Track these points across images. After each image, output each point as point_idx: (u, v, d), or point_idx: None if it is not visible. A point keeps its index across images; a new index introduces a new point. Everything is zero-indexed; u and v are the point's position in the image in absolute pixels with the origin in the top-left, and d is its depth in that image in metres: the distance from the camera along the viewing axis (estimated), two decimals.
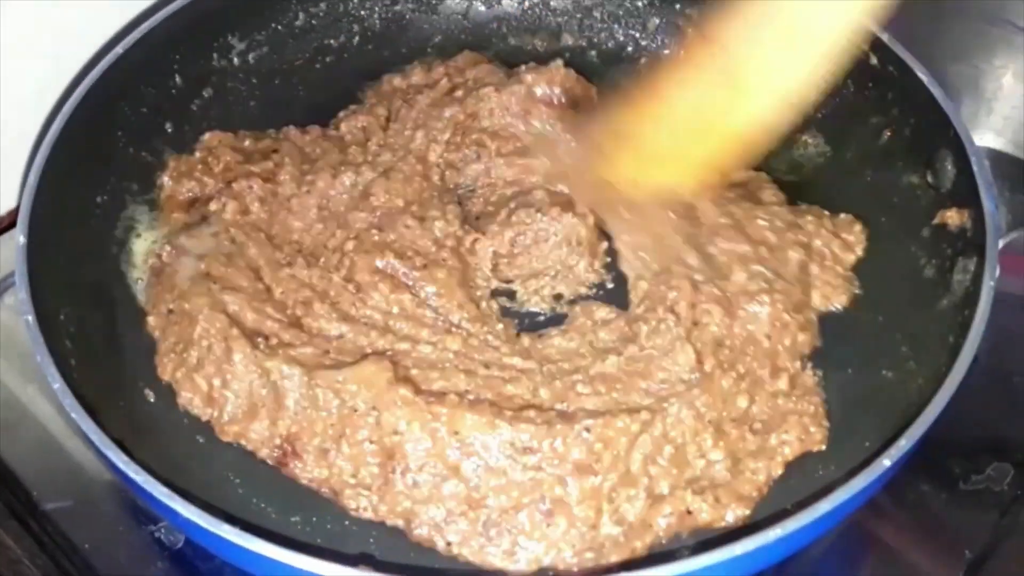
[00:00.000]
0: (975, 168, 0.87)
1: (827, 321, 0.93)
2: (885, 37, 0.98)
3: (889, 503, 0.88)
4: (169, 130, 1.04)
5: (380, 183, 0.97)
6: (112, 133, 0.98)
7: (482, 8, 1.19)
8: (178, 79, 1.05)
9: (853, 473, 0.72)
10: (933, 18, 1.28)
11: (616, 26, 1.18)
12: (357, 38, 1.16)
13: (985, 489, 0.90)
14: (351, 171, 0.98)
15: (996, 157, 0.92)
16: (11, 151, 1.06)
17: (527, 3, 1.19)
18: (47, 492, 0.89)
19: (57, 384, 0.75)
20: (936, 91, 0.94)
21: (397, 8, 1.17)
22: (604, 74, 1.13)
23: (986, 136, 1.19)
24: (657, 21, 1.17)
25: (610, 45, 1.18)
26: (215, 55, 1.08)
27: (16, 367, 0.96)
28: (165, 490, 0.70)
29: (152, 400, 0.87)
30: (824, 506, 0.69)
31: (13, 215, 1.10)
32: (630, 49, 1.18)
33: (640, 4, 1.17)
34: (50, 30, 1.06)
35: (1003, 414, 0.96)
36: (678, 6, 1.15)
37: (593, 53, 1.18)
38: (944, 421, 0.75)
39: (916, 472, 0.87)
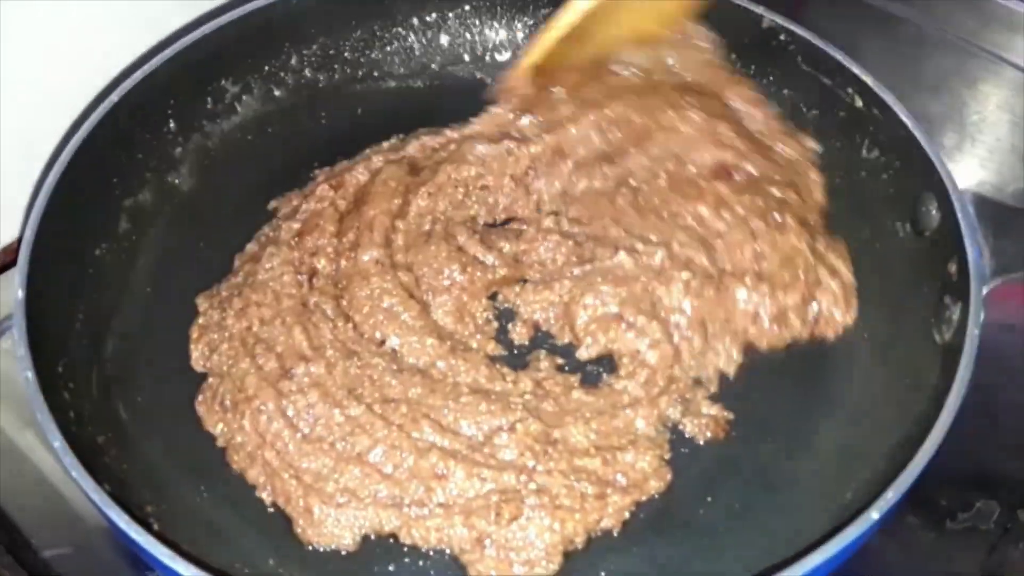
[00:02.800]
0: (959, 215, 0.88)
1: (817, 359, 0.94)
2: (869, 80, 1.00)
3: (876, 541, 0.89)
4: (164, 178, 1.05)
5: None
6: (109, 181, 0.99)
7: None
8: (172, 124, 1.05)
9: (841, 526, 0.73)
10: (916, 48, 1.30)
11: None
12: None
13: (972, 527, 0.91)
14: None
15: (981, 202, 0.93)
16: (6, 187, 1.07)
17: None
18: (46, 539, 0.89)
19: (57, 443, 0.76)
20: (920, 135, 0.95)
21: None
22: None
23: (971, 167, 1.21)
24: None
25: None
26: (209, 100, 1.09)
27: (14, 412, 0.97)
28: (166, 551, 0.71)
29: (144, 448, 0.88)
30: (816, 558, 0.71)
31: (7, 255, 1.11)
32: None
33: None
34: (51, 71, 1.07)
35: (990, 451, 0.97)
36: None
37: None
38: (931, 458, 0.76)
39: (904, 509, 0.87)
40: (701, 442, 0.89)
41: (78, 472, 0.75)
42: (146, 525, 0.74)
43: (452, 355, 0.91)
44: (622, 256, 0.95)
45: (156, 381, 0.93)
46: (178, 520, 0.83)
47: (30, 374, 0.80)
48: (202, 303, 0.97)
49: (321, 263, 0.97)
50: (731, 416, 0.90)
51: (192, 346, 0.94)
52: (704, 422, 0.89)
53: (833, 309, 0.95)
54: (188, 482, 0.86)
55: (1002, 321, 0.99)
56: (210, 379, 0.91)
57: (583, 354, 0.93)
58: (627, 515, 0.83)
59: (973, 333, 0.82)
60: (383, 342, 0.92)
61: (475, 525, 0.81)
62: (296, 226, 1.00)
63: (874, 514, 0.73)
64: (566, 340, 0.95)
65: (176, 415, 0.90)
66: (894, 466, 0.77)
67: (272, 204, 1.05)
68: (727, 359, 0.92)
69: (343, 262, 0.97)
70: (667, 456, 0.87)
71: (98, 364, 0.92)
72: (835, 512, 0.81)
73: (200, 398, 0.90)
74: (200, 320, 0.95)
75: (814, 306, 0.95)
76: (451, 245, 0.98)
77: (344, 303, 0.95)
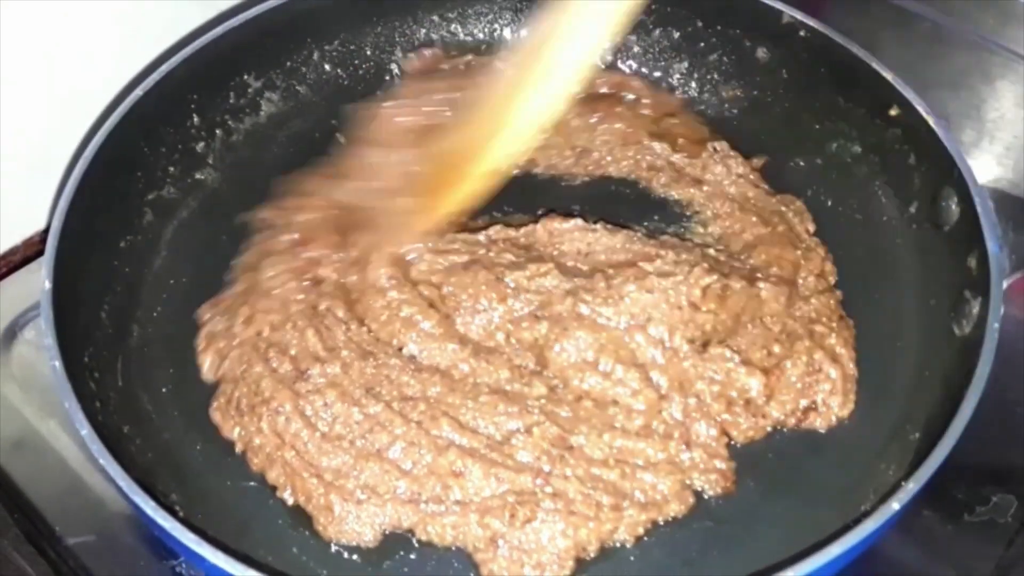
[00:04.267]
0: (979, 210, 0.88)
1: None
2: (889, 76, 1.00)
3: (894, 534, 0.88)
4: (188, 172, 1.06)
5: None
6: (133, 174, 1.00)
7: None
8: (195, 119, 1.06)
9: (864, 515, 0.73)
10: (933, 46, 1.30)
11: None
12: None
13: (989, 521, 0.91)
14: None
15: (1000, 197, 0.93)
16: (28, 180, 1.08)
17: None
18: (70, 526, 0.90)
19: (85, 431, 0.77)
20: (941, 130, 0.95)
21: None
22: None
23: (989, 164, 1.20)
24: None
25: None
26: (231, 95, 1.10)
27: (36, 401, 0.98)
28: (193, 536, 0.72)
29: (167, 437, 0.89)
30: (834, 549, 0.71)
31: (30, 247, 1.12)
32: None
33: None
34: (77, 66, 1.08)
35: (1007, 444, 0.97)
36: None
37: None
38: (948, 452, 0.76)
39: (921, 503, 0.87)
40: (711, 495, 0.85)
41: (105, 460, 0.75)
42: (172, 512, 0.74)
43: (475, 357, 0.90)
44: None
45: (180, 371, 0.93)
46: (202, 508, 0.84)
47: (57, 363, 0.80)
48: (205, 313, 0.96)
49: (327, 272, 0.96)
50: (735, 465, 0.87)
51: (200, 356, 0.93)
52: (713, 478, 0.85)
53: (829, 400, 0.90)
54: (212, 471, 0.87)
55: (1020, 316, 0.99)
56: (223, 386, 0.91)
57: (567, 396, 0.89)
58: (642, 531, 0.82)
59: (993, 327, 0.82)
60: (400, 348, 0.92)
61: (489, 525, 0.81)
62: (294, 236, 0.99)
63: (895, 505, 0.73)
64: None
65: (199, 406, 0.91)
66: (914, 458, 0.78)
67: (240, 218, 1.03)
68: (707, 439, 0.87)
69: (352, 276, 0.96)
70: (689, 481, 0.85)
71: (123, 354, 0.93)
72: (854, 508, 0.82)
73: (214, 405, 0.90)
74: (205, 330, 0.95)
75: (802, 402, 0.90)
76: (491, 273, 0.94)
77: (358, 308, 0.94)
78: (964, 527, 0.91)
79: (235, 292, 0.97)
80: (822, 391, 0.90)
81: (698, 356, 0.89)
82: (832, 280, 0.99)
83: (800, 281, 0.96)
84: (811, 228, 1.02)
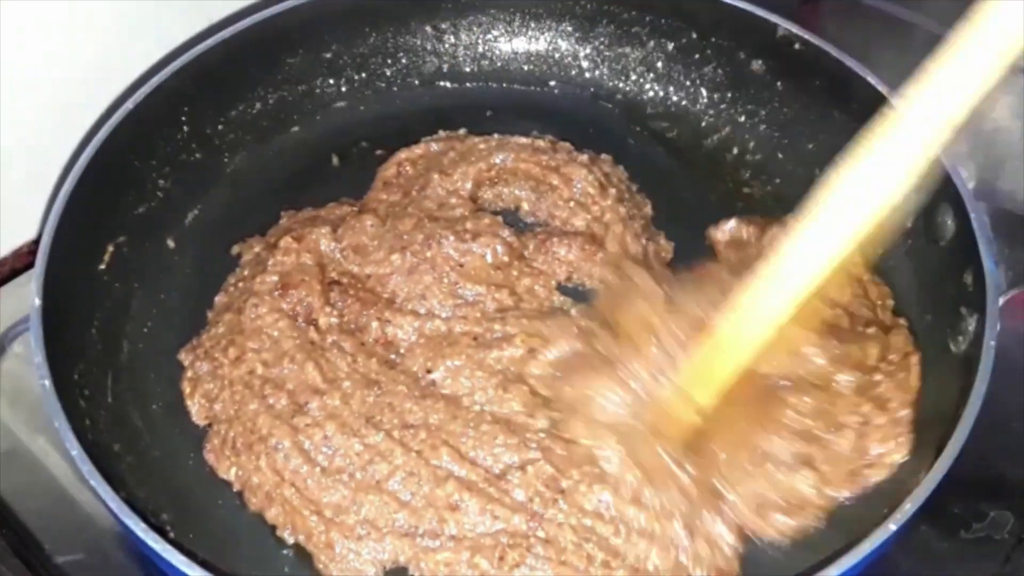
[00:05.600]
0: (975, 225, 0.88)
1: None
2: (884, 89, 0.99)
3: (890, 551, 0.88)
4: (181, 183, 1.05)
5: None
6: (124, 187, 0.99)
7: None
8: (186, 130, 1.05)
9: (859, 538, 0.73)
10: (928, 55, 1.30)
11: None
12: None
13: (986, 537, 0.91)
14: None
15: (996, 212, 0.92)
16: (18, 191, 1.07)
17: None
18: (59, 544, 0.89)
19: (75, 451, 0.76)
20: None
21: None
22: None
23: (981, 176, 1.20)
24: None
25: None
26: (224, 106, 1.09)
27: (24, 417, 0.96)
28: (183, 558, 0.71)
29: (159, 455, 0.88)
30: (832, 571, 0.71)
31: (19, 259, 1.12)
32: None
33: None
34: (64, 74, 1.07)
35: (1003, 460, 0.96)
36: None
37: None
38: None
39: (918, 519, 0.87)
40: None
41: (96, 480, 0.75)
42: (162, 532, 0.74)
43: (500, 387, 0.89)
44: None
45: (171, 388, 0.93)
46: (194, 529, 0.83)
47: (47, 382, 0.79)
48: (185, 358, 0.94)
49: (321, 319, 0.94)
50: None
51: (188, 401, 0.91)
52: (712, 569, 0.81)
53: (879, 448, 0.85)
54: (204, 491, 0.86)
55: (1016, 331, 0.99)
56: (215, 427, 0.89)
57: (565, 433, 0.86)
58: None
59: (989, 344, 0.82)
60: (429, 370, 0.90)
61: (479, 565, 0.80)
62: (273, 279, 0.95)
63: (892, 526, 0.73)
64: None
65: (190, 426, 0.90)
66: (911, 477, 0.77)
67: (235, 249, 1.02)
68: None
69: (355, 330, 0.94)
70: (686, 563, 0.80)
71: (113, 371, 0.92)
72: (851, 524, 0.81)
73: (207, 447, 0.88)
74: (188, 374, 0.92)
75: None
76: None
77: (367, 340, 0.93)
78: (961, 543, 0.90)
79: (216, 334, 0.94)
80: (873, 442, 0.85)
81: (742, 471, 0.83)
82: (890, 304, 0.96)
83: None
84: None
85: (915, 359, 0.90)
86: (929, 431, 0.84)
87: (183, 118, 1.05)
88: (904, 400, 0.87)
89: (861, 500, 0.84)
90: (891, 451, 0.84)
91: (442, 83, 1.20)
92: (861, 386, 0.87)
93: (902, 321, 0.95)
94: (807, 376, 0.86)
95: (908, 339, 0.92)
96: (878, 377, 0.88)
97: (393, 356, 0.92)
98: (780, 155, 1.11)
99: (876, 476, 0.84)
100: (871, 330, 0.92)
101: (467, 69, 1.20)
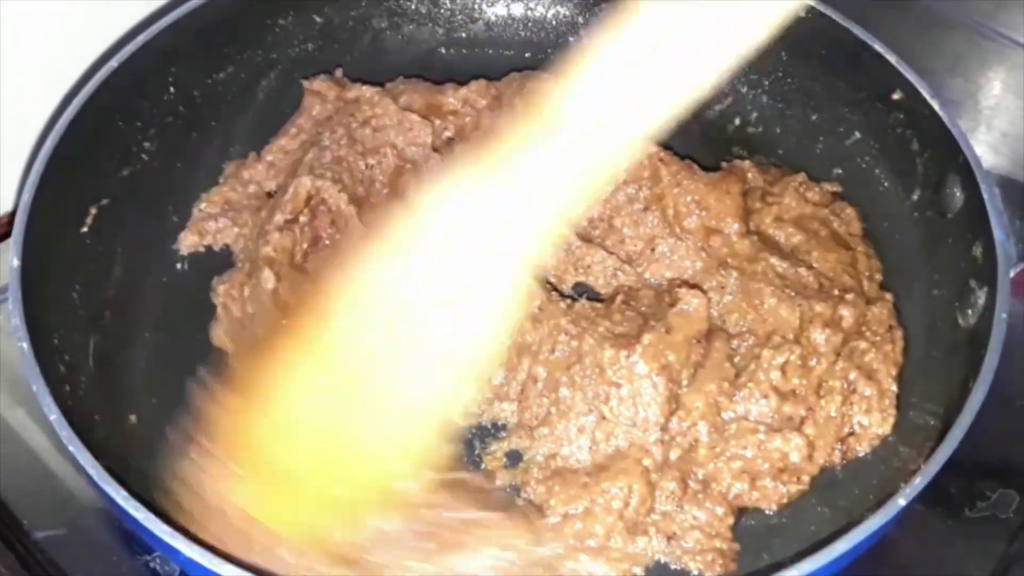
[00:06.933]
0: (985, 196, 0.86)
1: None
2: (892, 59, 0.98)
3: (894, 530, 0.87)
4: (165, 145, 1.02)
5: None
6: (106, 149, 0.96)
7: None
8: (172, 91, 1.02)
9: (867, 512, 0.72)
10: (929, 32, 1.29)
11: None
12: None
13: (991, 516, 0.90)
14: None
15: (1005, 183, 0.91)
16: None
17: None
18: (38, 520, 0.87)
19: (54, 415, 0.74)
20: (945, 115, 0.93)
21: None
22: None
23: (984, 152, 1.19)
24: None
25: None
26: (211, 67, 1.06)
27: (5, 389, 0.94)
28: (167, 528, 0.69)
29: (140, 424, 0.87)
30: (841, 546, 0.69)
31: (1, 227, 1.09)
32: None
33: None
34: (48, 37, 1.05)
35: (1008, 439, 0.95)
36: None
37: None
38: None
39: (921, 499, 0.86)
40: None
41: (75, 446, 0.72)
42: (145, 503, 0.71)
43: None
44: None
45: (153, 356, 0.91)
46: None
47: (25, 345, 0.77)
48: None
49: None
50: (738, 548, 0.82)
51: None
52: (709, 558, 0.80)
53: (864, 419, 0.86)
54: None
55: (1020, 308, 0.98)
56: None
57: None
58: None
59: (1000, 317, 0.80)
60: None
61: None
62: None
63: (901, 500, 0.71)
64: None
65: (174, 389, 0.86)
66: (919, 453, 0.76)
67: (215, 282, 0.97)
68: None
69: None
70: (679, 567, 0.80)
71: (94, 336, 0.89)
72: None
73: None
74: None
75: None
76: None
77: None
78: (965, 523, 0.90)
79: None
80: (858, 412, 0.86)
81: (717, 434, 0.83)
82: (879, 278, 0.96)
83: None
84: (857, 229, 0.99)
85: (899, 334, 0.90)
86: (932, 404, 0.83)
87: (170, 79, 1.02)
88: (890, 373, 0.87)
89: (864, 484, 0.84)
90: (875, 423, 0.85)
91: (440, 49, 1.18)
92: (842, 351, 0.87)
93: (888, 296, 0.94)
94: (778, 331, 0.88)
95: (892, 313, 0.92)
96: (863, 345, 0.88)
97: None
98: (781, 128, 1.10)
99: (861, 448, 0.85)
100: (849, 296, 0.91)
101: (462, 35, 1.19)
